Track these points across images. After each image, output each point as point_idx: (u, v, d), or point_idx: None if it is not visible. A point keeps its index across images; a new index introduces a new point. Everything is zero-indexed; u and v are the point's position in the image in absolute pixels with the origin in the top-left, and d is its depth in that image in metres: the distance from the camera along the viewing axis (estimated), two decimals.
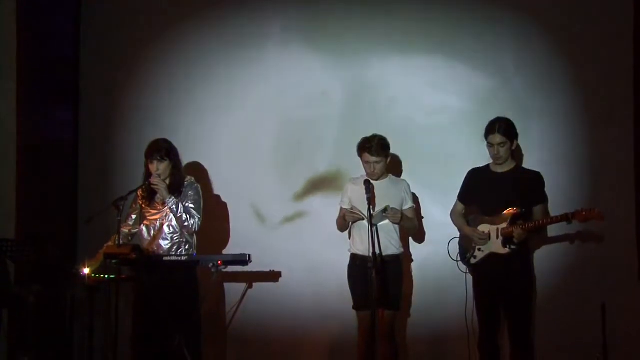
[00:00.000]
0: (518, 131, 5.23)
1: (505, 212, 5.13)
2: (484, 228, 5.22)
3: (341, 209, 5.47)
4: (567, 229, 5.33)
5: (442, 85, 6.01)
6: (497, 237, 5.15)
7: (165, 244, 5.34)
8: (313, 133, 6.22)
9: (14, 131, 6.17)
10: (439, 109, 6.00)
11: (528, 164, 5.54)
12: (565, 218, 5.00)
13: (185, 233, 5.36)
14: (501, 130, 5.16)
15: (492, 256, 5.18)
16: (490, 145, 5.22)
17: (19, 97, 6.17)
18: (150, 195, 5.41)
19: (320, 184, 6.15)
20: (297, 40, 6.27)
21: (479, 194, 5.34)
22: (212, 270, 5.13)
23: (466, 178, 5.44)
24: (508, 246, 5.12)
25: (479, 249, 5.24)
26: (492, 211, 5.21)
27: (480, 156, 5.45)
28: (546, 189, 5.28)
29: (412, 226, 5.50)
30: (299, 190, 6.17)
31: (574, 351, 5.63)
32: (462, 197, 5.46)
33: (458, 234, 5.44)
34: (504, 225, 5.13)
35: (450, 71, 6.00)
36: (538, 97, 5.88)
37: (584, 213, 4.96)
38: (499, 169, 5.27)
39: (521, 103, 5.87)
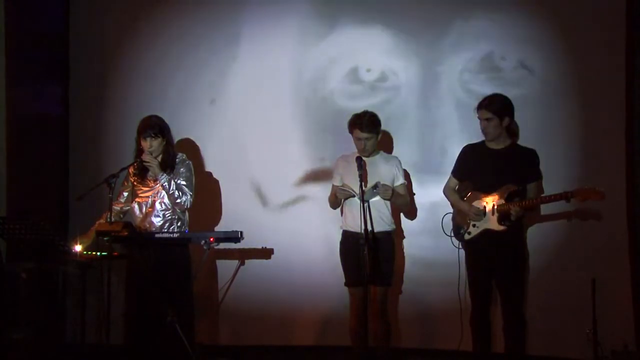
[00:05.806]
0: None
1: (502, 188, 5.12)
2: (479, 204, 5.21)
3: (333, 186, 5.45)
4: (560, 206, 5.32)
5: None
6: (493, 214, 5.14)
7: (157, 221, 5.33)
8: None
9: (3, 106, 6.12)
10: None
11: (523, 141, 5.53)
12: (565, 196, 4.97)
13: (177, 210, 5.34)
14: (488, 106, 5.15)
15: (486, 232, 5.17)
16: (479, 119, 5.22)
17: (9, 72, 6.12)
18: (142, 173, 5.38)
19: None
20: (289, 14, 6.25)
21: (474, 170, 5.31)
22: (204, 247, 5.11)
23: (461, 154, 5.41)
24: (504, 223, 5.12)
25: (474, 225, 5.23)
26: (487, 187, 5.19)
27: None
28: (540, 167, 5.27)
29: (403, 202, 5.49)
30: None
31: (564, 326, 5.65)
32: (456, 172, 5.43)
33: (451, 210, 5.44)
34: (501, 202, 5.13)
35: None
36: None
37: (583, 192, 4.91)
38: (494, 146, 5.24)
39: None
